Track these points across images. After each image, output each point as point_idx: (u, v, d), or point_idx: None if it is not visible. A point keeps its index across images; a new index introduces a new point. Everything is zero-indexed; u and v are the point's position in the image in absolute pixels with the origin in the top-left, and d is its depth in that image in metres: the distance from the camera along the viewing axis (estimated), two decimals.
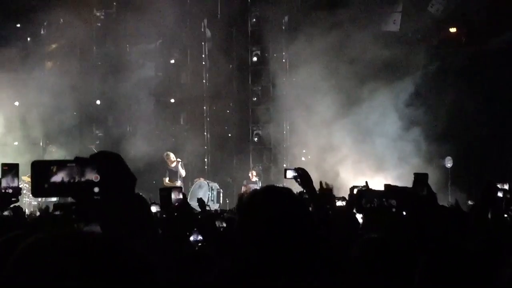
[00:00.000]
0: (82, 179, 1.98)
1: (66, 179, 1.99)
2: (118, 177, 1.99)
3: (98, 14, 18.46)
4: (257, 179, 17.30)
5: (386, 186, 3.78)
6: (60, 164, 2.01)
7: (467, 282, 2.55)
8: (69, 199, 2.01)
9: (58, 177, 1.99)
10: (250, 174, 17.48)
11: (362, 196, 4.35)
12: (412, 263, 2.79)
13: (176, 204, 5.13)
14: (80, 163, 1.99)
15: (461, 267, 2.57)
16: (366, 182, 7.84)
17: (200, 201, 7.80)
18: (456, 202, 8.40)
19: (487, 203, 4.49)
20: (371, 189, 4.50)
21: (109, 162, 1.99)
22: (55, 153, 17.43)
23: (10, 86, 17.11)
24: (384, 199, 4.18)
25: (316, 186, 5.11)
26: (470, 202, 10.74)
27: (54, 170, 1.99)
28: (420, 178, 3.79)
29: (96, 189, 1.97)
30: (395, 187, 3.60)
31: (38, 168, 2.01)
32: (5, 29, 17.05)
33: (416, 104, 16.96)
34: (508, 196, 6.39)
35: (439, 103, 16.88)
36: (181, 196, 5.96)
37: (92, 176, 1.97)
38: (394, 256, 3.09)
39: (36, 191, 2.03)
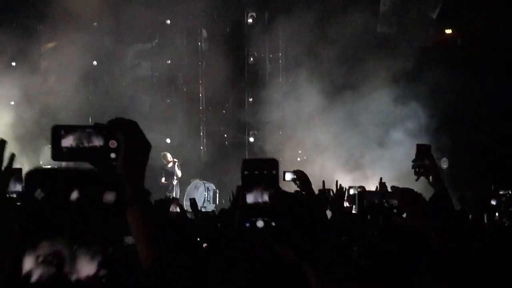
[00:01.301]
0: (100, 145, 2.01)
1: (84, 144, 2.01)
2: (134, 144, 2.03)
3: (95, 13, 18.34)
4: None
5: (392, 187, 3.66)
6: (79, 129, 2.02)
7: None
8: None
9: (76, 142, 2.01)
10: None
11: (363, 198, 4.35)
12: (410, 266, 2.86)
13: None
14: (98, 129, 2.02)
15: (461, 271, 2.57)
16: (363, 187, 7.98)
17: (192, 201, 7.67)
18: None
19: (482, 209, 4.55)
20: (370, 190, 4.49)
21: (125, 129, 2.01)
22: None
23: (6, 85, 16.92)
24: (384, 200, 4.14)
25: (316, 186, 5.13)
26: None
27: (73, 135, 2.01)
28: (422, 149, 3.82)
29: (113, 155, 2.00)
30: (397, 188, 3.47)
31: (57, 132, 2.02)
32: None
33: (412, 106, 16.89)
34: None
35: (435, 104, 16.77)
36: (178, 210, 5.97)
37: (109, 142, 2.01)
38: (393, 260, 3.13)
39: (55, 155, 2.03)
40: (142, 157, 2.03)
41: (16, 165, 3.27)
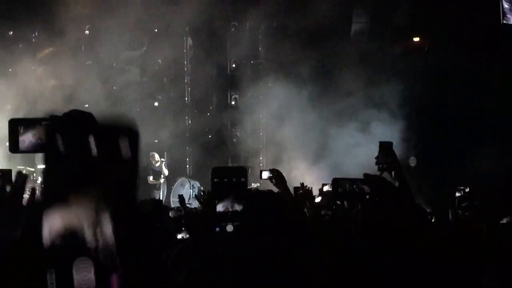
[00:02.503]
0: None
1: (41, 136, 1.92)
2: None
3: (87, 22, 18.34)
4: None
5: (364, 175, 3.69)
6: (35, 122, 1.94)
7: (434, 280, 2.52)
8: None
9: (34, 135, 1.93)
10: None
11: (338, 185, 4.18)
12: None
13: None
14: (54, 121, 1.85)
15: (427, 267, 2.52)
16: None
17: (180, 198, 7.76)
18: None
19: (448, 205, 4.60)
20: (346, 178, 4.42)
21: (81, 120, 1.89)
22: None
23: (3, 90, 16.88)
24: (355, 186, 4.07)
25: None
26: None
27: (31, 127, 1.93)
28: (384, 147, 3.77)
29: None
30: (369, 175, 3.55)
31: (14, 125, 1.96)
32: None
33: (380, 105, 16.97)
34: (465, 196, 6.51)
35: (403, 106, 16.95)
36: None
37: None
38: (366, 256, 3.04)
39: (12, 148, 1.97)
40: None
41: (10, 166, 3.32)
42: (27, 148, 1.94)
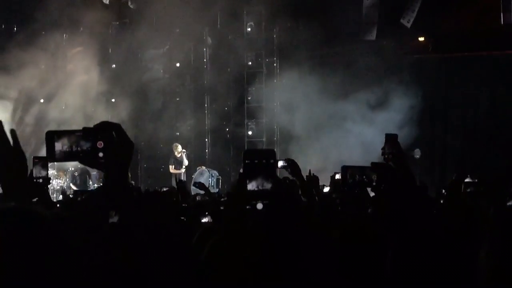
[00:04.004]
0: (88, 146, 2.01)
1: (74, 146, 2.02)
2: (119, 143, 2.01)
3: (114, 23, 18.47)
4: None
5: (372, 164, 3.63)
6: (69, 133, 2.03)
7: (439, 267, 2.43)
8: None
9: (67, 145, 2.02)
10: None
11: (346, 172, 4.16)
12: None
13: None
14: (86, 132, 2.02)
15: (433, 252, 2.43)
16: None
17: (200, 184, 7.73)
18: (423, 185, 8.40)
19: (456, 193, 4.52)
20: (354, 166, 4.27)
21: (111, 130, 2.01)
22: None
23: (36, 85, 17.09)
24: (364, 176, 4.07)
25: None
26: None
27: (64, 138, 2.02)
28: (390, 138, 3.72)
29: (101, 154, 2.00)
30: (376, 163, 3.50)
31: (50, 137, 2.03)
32: (32, 36, 17.01)
33: (388, 101, 16.98)
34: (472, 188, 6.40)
35: (410, 101, 16.94)
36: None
37: (97, 143, 2.01)
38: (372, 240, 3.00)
39: (49, 157, 2.04)
40: (126, 154, 2.03)
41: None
42: (61, 156, 2.04)
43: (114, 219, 2.25)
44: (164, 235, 2.18)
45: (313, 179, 4.79)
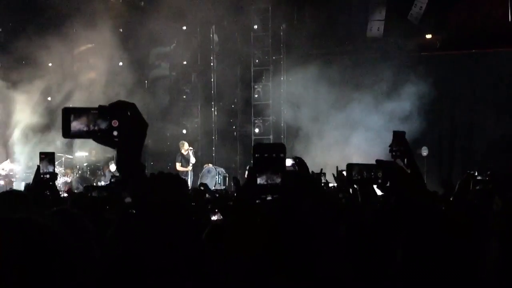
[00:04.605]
0: (104, 124, 2.02)
1: (90, 124, 2.02)
2: (134, 122, 2.03)
3: (122, 20, 18.50)
4: None
5: (377, 161, 3.62)
6: (85, 111, 2.03)
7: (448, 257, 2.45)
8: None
9: (83, 122, 2.02)
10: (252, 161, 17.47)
11: (352, 170, 4.15)
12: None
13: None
14: (102, 110, 2.02)
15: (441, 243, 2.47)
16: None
17: (204, 186, 7.73)
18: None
19: (465, 192, 4.57)
20: (360, 163, 4.26)
21: (126, 110, 2.02)
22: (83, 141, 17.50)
23: (45, 82, 17.16)
24: (372, 173, 4.05)
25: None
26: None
27: (80, 115, 2.02)
28: (398, 135, 3.79)
29: (115, 133, 2.01)
30: (382, 160, 3.49)
31: (66, 113, 2.04)
32: (41, 34, 17.05)
33: (396, 98, 16.95)
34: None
35: (416, 99, 16.92)
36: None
37: (112, 121, 2.01)
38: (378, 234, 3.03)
39: (65, 133, 2.05)
40: (140, 133, 2.04)
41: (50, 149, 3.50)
42: (76, 133, 2.04)
43: (128, 199, 2.20)
44: (175, 218, 2.14)
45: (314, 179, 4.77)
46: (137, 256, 2.05)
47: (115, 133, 2.01)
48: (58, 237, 1.48)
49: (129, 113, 2.01)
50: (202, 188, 7.00)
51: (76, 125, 2.02)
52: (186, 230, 2.11)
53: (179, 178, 2.26)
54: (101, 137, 2.03)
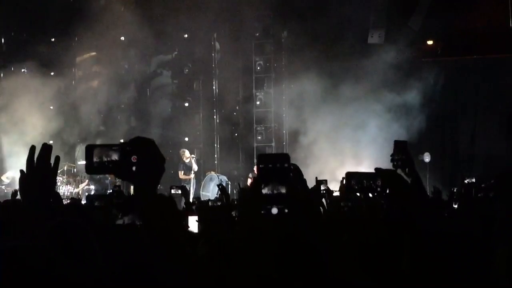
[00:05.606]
0: (123, 160, 2.14)
1: (110, 159, 2.15)
2: (152, 158, 2.15)
3: (123, 28, 18.53)
4: None
5: (376, 169, 3.54)
6: (107, 147, 2.17)
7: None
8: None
9: (105, 158, 2.15)
10: (254, 168, 17.51)
11: (351, 178, 4.25)
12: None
13: None
14: (122, 147, 2.15)
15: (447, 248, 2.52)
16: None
17: (221, 187, 7.67)
18: (437, 189, 8.37)
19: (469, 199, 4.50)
20: (359, 172, 4.22)
21: (144, 146, 2.15)
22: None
23: (46, 92, 17.21)
24: (371, 181, 3.93)
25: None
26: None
27: (102, 152, 2.15)
28: (399, 145, 3.72)
29: (134, 168, 2.13)
30: (381, 169, 3.40)
31: (89, 150, 2.17)
32: (42, 43, 17.10)
33: (398, 105, 16.98)
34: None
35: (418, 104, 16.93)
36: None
37: (131, 157, 2.14)
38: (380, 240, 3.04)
39: (88, 169, 2.18)
40: (158, 168, 2.15)
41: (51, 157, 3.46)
42: (98, 169, 2.17)
43: (120, 221, 2.39)
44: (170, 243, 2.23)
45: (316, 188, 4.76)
46: (137, 269, 2.08)
47: (134, 168, 2.13)
48: (49, 262, 1.48)
49: (148, 150, 2.15)
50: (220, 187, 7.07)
51: (97, 160, 2.15)
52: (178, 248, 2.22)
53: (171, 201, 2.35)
54: (121, 172, 2.16)
